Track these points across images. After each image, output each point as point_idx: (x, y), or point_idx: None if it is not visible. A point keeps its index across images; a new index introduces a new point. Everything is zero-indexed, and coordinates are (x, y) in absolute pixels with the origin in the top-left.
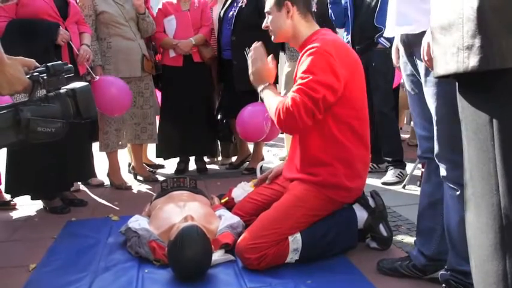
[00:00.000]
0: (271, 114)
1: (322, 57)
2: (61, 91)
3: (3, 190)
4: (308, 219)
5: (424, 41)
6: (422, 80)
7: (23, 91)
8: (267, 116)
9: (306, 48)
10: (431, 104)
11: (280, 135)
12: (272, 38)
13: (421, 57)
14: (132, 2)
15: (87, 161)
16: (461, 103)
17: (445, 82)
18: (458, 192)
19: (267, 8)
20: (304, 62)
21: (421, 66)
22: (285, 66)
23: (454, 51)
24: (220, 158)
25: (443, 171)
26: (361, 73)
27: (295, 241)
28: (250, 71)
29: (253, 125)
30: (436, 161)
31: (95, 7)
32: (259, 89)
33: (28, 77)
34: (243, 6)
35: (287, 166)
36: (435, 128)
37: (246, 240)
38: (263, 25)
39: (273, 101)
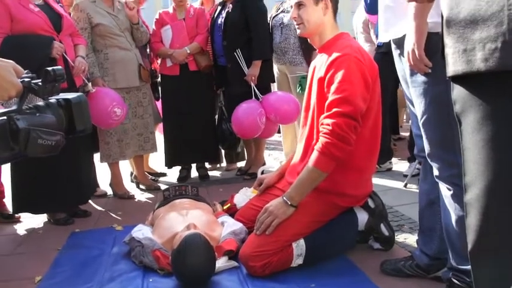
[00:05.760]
0: (319, 167)
1: (355, 65)
2: (51, 101)
3: (10, 208)
4: (313, 226)
5: (407, 45)
6: (408, 80)
7: (15, 96)
8: (261, 111)
9: (337, 55)
10: (418, 104)
11: (279, 139)
12: (298, 31)
13: (406, 60)
14: (126, 12)
15: (88, 179)
16: (479, 103)
17: (431, 82)
18: (451, 192)
19: None
20: (338, 70)
21: (407, 67)
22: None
23: (496, 45)
24: (224, 164)
25: (435, 171)
26: (379, 84)
27: (299, 247)
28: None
29: (248, 121)
30: (428, 160)
31: (89, 20)
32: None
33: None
34: (230, 11)
35: (291, 171)
36: (422, 128)
37: (250, 247)
38: (291, 16)
39: (305, 172)
